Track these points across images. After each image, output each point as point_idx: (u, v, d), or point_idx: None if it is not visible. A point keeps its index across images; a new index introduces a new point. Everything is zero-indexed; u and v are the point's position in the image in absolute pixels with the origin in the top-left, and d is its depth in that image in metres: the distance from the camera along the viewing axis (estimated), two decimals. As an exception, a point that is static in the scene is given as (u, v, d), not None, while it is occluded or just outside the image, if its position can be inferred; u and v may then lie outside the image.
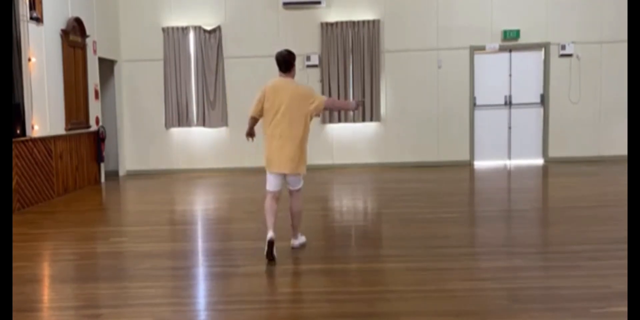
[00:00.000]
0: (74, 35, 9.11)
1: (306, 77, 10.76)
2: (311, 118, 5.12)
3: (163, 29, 10.97)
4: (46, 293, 4.43)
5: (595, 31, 10.86)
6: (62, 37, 8.78)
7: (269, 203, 5.09)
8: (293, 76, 5.18)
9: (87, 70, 9.63)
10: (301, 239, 5.34)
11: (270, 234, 4.85)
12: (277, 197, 5.15)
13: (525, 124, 11.17)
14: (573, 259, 4.74)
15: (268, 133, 5.06)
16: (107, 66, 10.77)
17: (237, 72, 11.01)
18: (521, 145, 11.20)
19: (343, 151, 11.12)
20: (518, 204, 7.75)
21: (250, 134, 5.29)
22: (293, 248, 5.23)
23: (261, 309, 3.84)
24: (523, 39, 10.92)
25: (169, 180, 10.42)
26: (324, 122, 10.96)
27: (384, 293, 4.07)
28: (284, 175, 5.12)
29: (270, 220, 5.00)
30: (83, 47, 9.48)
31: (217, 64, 10.96)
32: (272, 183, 5.12)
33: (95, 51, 9.99)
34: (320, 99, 5.11)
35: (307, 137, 5.10)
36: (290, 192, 5.22)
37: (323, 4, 10.78)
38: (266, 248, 4.80)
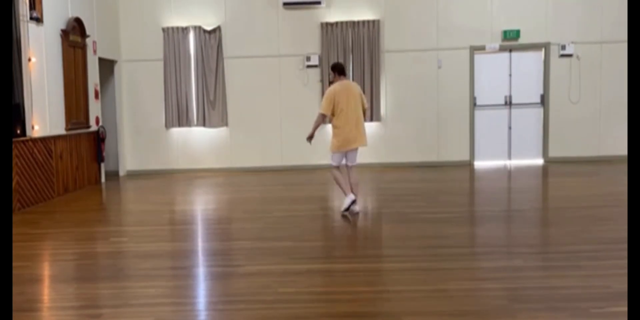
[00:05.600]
0: (74, 35, 9.12)
1: (306, 77, 10.77)
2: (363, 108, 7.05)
3: (163, 29, 10.97)
4: (46, 293, 4.43)
5: (595, 31, 10.85)
6: (62, 37, 8.78)
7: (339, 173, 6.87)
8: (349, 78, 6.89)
9: (87, 70, 9.63)
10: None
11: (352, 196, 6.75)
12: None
13: (525, 124, 11.16)
14: (573, 259, 4.74)
15: (342, 123, 6.83)
16: (107, 66, 10.77)
17: (237, 72, 11.00)
18: (521, 145, 11.19)
19: (343, 151, 11.09)
20: (518, 204, 7.75)
21: (312, 137, 7.08)
22: (357, 213, 6.79)
23: (261, 309, 3.84)
24: (523, 39, 10.91)
25: (169, 180, 10.42)
26: (324, 122, 10.91)
27: (384, 293, 4.07)
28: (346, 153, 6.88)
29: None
30: (83, 47, 9.48)
31: (217, 64, 10.96)
32: (338, 159, 6.93)
33: (95, 51, 9.99)
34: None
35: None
36: (350, 168, 6.94)
37: (323, 4, 10.77)
38: (349, 204, 6.70)
